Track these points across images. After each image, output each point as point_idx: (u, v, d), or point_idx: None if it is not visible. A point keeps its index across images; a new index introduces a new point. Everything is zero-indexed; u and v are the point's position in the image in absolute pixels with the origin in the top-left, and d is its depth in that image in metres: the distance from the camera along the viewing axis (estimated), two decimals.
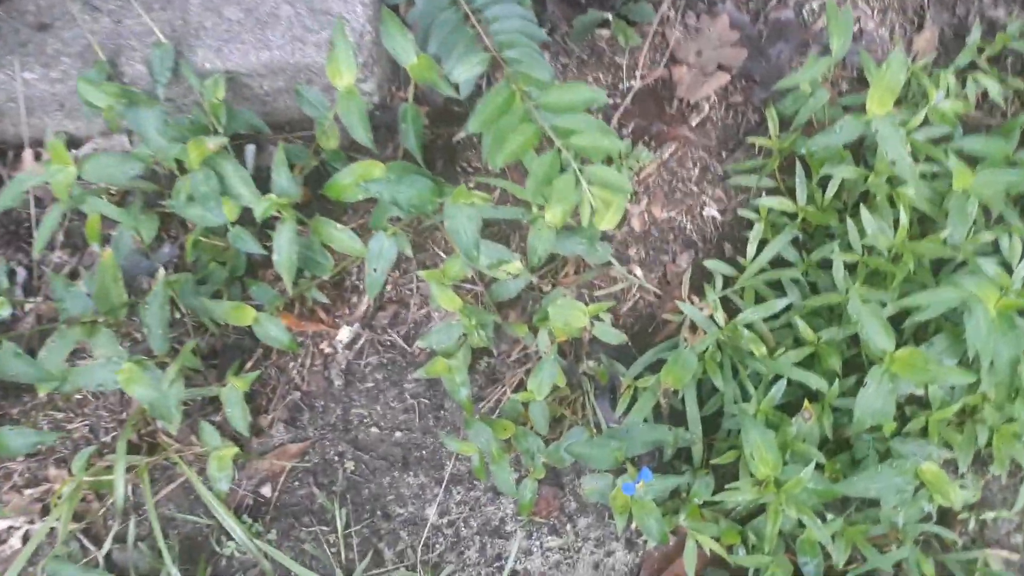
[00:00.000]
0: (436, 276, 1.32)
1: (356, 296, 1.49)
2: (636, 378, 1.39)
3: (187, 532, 1.43)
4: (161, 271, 1.25)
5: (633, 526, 1.39)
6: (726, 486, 1.21)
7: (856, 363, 1.42)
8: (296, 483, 1.45)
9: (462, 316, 1.31)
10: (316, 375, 1.48)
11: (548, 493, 1.41)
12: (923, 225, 1.50)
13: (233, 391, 1.29)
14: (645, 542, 1.38)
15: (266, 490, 1.45)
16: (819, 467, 1.25)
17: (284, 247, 1.25)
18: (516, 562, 1.39)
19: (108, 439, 1.44)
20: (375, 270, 1.29)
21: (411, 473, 1.45)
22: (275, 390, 1.48)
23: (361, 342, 1.49)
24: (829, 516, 1.25)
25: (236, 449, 1.31)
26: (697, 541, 1.27)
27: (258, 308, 1.34)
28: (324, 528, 1.42)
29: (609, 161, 1.47)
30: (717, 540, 1.27)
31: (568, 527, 1.40)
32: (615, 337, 1.31)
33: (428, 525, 1.41)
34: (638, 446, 1.13)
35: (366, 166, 1.18)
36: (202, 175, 1.23)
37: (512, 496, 1.39)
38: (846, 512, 1.33)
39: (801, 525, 1.27)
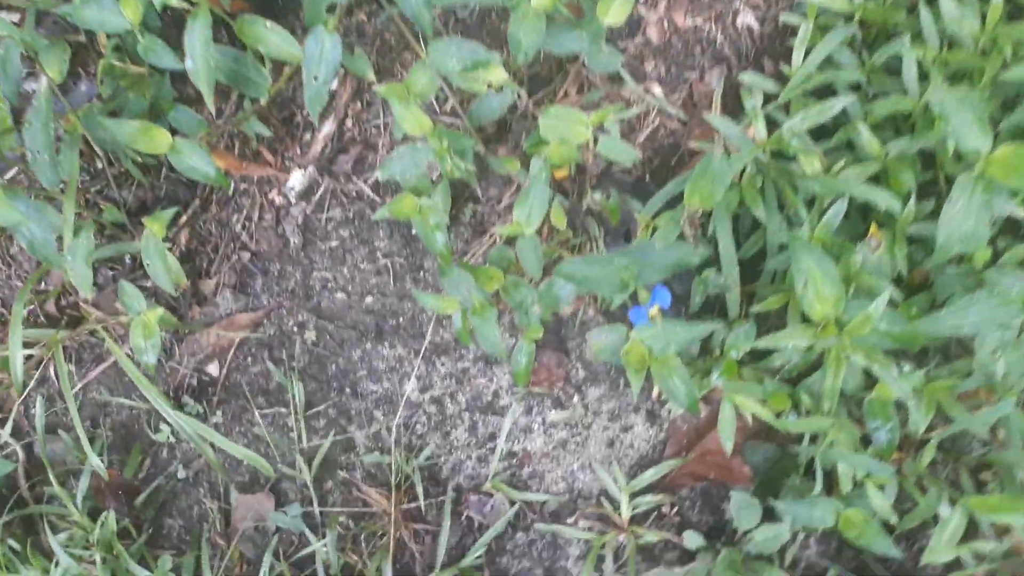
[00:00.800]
0: (398, 91, 1.05)
1: (310, 134, 1.23)
2: (655, 216, 1.11)
3: (123, 419, 1.20)
4: (44, 79, 0.99)
5: (655, 394, 1.13)
6: (773, 334, 0.95)
7: (930, 191, 1.13)
8: (248, 359, 1.21)
9: (431, 138, 1.04)
10: (267, 232, 1.23)
11: (550, 360, 1.15)
12: (1013, 20, 1.18)
13: (151, 239, 1.04)
14: (670, 411, 1.12)
15: (212, 368, 1.21)
16: (892, 306, 0.97)
17: (198, 49, 0.98)
18: (512, 442, 1.14)
19: (25, 312, 1.21)
20: (316, 79, 1.02)
21: (386, 344, 1.20)
22: (217, 249, 1.23)
23: (320, 192, 1.23)
24: (905, 368, 0.98)
25: (161, 311, 1.07)
26: (736, 406, 1.01)
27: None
28: (282, 410, 1.19)
29: None
30: (762, 404, 1.01)
31: (575, 399, 1.15)
32: (625, 154, 1.03)
33: (405, 402, 1.17)
34: (654, 269, 0.86)
35: None
36: None
37: (502, 359, 1.14)
38: (925, 369, 1.05)
39: (869, 383, 1.01)
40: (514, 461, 1.14)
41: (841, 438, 0.95)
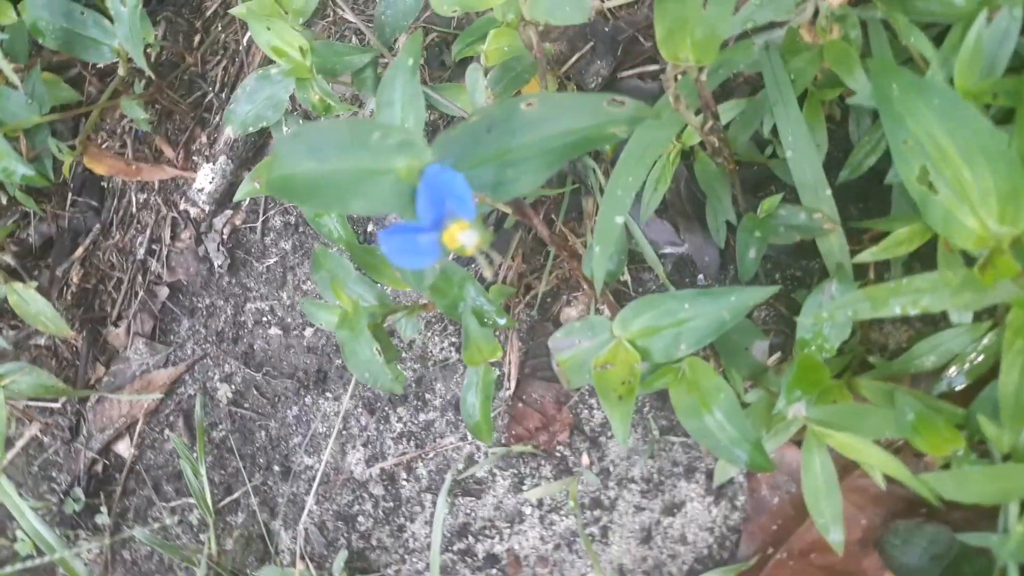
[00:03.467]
0: (264, 8, 0.70)
1: (219, 116, 0.90)
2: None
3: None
4: None
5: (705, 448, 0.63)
6: (877, 286, 0.44)
7: None
8: (164, 432, 0.88)
9: (289, 57, 0.66)
10: (183, 256, 0.91)
11: (544, 398, 0.70)
12: None
13: None
14: (747, 477, 0.62)
15: (123, 447, 0.89)
16: None
17: None
18: (491, 538, 0.69)
19: None
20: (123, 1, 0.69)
21: (328, 394, 0.81)
22: (120, 286, 0.92)
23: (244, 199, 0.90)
24: None
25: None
26: (838, 452, 0.49)
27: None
28: (191, 501, 0.83)
29: None
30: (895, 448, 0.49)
31: (586, 457, 0.67)
32: (575, 8, 0.57)
33: (346, 480, 0.76)
34: (514, 153, 0.37)
35: None
36: None
37: (393, 392, 0.70)
38: None
39: None
40: (494, 571, 0.68)
41: None
